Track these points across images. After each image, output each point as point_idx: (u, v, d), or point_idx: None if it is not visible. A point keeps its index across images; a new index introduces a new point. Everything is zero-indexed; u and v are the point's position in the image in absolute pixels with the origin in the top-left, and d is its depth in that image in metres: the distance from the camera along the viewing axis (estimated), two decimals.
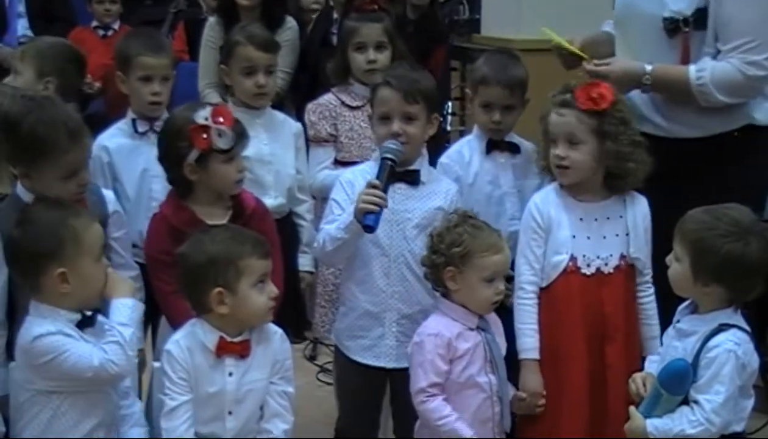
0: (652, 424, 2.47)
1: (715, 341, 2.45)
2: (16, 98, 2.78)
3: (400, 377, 2.91)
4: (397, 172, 2.89)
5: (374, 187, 2.79)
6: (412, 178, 2.95)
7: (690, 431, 2.43)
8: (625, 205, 2.91)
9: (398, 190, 2.93)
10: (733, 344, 2.44)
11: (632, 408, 2.54)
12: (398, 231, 2.93)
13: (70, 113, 2.78)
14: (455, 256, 2.72)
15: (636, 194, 2.93)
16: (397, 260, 2.93)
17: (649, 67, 2.98)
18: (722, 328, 2.46)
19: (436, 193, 2.97)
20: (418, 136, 2.95)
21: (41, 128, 2.63)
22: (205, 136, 2.79)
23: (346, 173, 3.03)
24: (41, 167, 2.64)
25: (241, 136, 2.86)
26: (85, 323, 2.51)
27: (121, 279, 2.64)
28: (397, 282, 2.94)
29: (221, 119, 2.82)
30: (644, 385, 2.57)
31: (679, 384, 2.44)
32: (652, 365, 2.64)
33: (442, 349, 2.71)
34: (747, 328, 2.50)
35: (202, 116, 2.81)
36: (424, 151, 3.04)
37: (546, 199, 2.93)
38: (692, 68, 2.95)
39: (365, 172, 2.95)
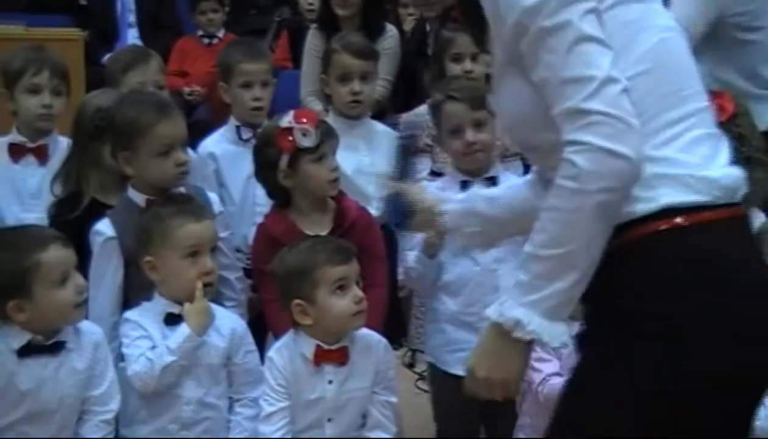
0: None
1: None
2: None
3: None
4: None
5: None
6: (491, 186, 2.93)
7: None
8: None
9: None
10: None
11: None
12: None
13: (158, 94, 2.88)
14: None
15: (756, 213, 2.76)
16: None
17: None
18: None
19: None
20: (492, 142, 2.95)
21: (130, 110, 2.73)
22: (290, 137, 2.83)
23: None
24: (137, 148, 2.70)
25: (327, 135, 2.88)
26: None
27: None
28: (489, 290, 2.92)
29: (304, 120, 2.85)
30: None
31: None
32: None
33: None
34: None
35: (286, 120, 2.86)
36: None
37: None
38: None
39: None
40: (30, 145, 3.33)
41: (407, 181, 2.33)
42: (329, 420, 2.60)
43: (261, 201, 3.11)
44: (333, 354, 2.59)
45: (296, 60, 4.88)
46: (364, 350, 2.62)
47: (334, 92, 3.44)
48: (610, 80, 1.57)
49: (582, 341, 1.75)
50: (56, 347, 2.47)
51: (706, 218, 1.63)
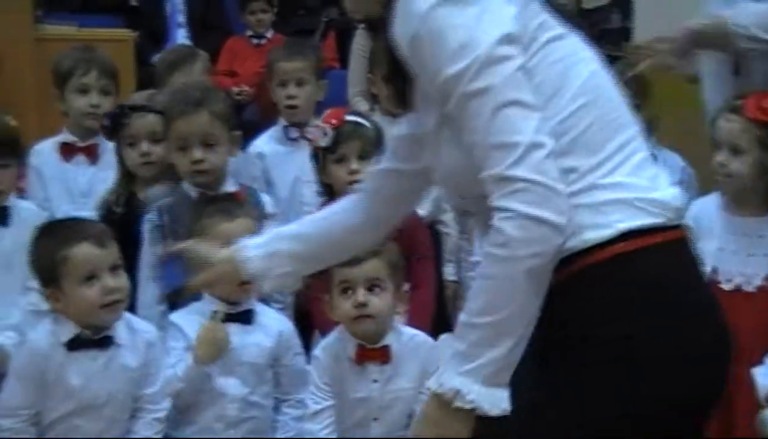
0: None
1: None
2: None
3: None
4: None
5: None
6: None
7: None
8: None
9: None
10: None
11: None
12: None
13: (199, 89, 2.85)
14: None
15: None
16: None
17: None
18: None
19: None
20: None
21: (166, 101, 2.80)
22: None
23: None
24: (169, 139, 2.77)
25: (348, 137, 2.87)
26: None
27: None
28: None
29: (333, 121, 2.87)
30: None
31: None
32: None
33: None
34: None
35: (321, 116, 2.88)
36: None
37: (704, 208, 2.87)
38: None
39: None
40: (80, 144, 3.39)
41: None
42: (375, 419, 2.60)
43: (309, 201, 3.13)
44: (375, 353, 2.58)
45: (344, 60, 4.89)
46: (411, 349, 2.61)
47: (381, 91, 3.44)
48: (534, 146, 1.56)
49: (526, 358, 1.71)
50: (104, 342, 2.48)
51: (655, 241, 1.63)
